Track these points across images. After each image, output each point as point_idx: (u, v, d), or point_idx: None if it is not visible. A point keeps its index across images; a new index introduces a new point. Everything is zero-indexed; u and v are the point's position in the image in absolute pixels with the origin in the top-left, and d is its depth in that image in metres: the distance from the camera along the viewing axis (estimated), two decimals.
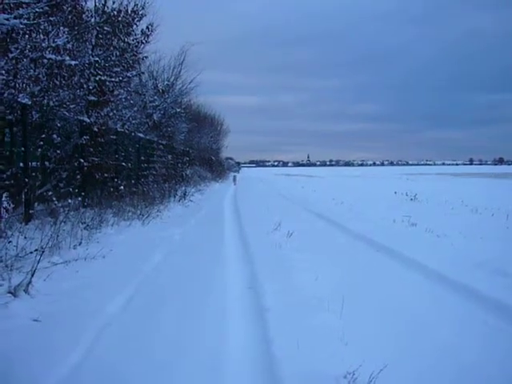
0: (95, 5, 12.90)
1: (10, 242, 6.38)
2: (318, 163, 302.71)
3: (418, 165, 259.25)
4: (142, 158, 18.08)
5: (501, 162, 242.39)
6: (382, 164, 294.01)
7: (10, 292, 5.08)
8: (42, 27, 9.31)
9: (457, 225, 11.40)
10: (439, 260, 7.41)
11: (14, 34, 8.14)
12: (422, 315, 5.10)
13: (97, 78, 11.82)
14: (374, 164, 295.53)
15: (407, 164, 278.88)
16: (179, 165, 26.18)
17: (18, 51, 8.31)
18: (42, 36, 9.31)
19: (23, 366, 3.64)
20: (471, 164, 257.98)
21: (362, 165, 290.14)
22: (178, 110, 24.45)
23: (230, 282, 6.49)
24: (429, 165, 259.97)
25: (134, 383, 3.56)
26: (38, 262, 5.67)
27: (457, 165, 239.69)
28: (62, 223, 8.44)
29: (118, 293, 5.63)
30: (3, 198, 8.31)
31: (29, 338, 4.14)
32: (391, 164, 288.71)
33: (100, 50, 12.04)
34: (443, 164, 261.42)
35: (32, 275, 5.41)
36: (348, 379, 3.46)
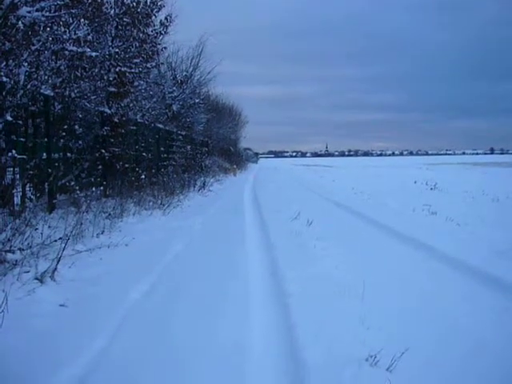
0: None
1: (37, 229, 6.51)
2: (337, 153, 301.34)
3: (437, 154, 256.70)
4: (162, 148, 18.21)
5: None
6: (402, 154, 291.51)
7: (36, 278, 5.21)
8: (62, 19, 9.41)
9: (477, 214, 11.34)
10: (460, 248, 7.40)
11: (35, 27, 8.22)
12: (442, 300, 5.11)
13: (117, 69, 11.91)
14: (393, 154, 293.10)
15: (427, 154, 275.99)
16: (198, 155, 26.28)
17: (40, 43, 8.40)
18: (63, 28, 9.41)
19: (52, 349, 3.75)
20: (492, 153, 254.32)
21: (381, 155, 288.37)
22: (197, 100, 24.51)
23: (252, 269, 6.54)
24: (449, 154, 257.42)
25: (159, 366, 3.63)
26: (63, 250, 5.80)
27: (477, 154, 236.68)
28: (85, 213, 8.58)
29: (141, 279, 5.72)
30: (27, 189, 8.46)
31: (56, 323, 4.26)
32: (410, 154, 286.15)
33: (120, 41, 12.11)
34: (463, 153, 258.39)
35: (57, 262, 5.54)
36: (370, 362, 3.51)
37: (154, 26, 13.82)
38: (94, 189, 10.18)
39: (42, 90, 8.58)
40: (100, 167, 11.51)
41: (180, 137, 21.70)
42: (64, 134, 9.43)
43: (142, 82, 13.79)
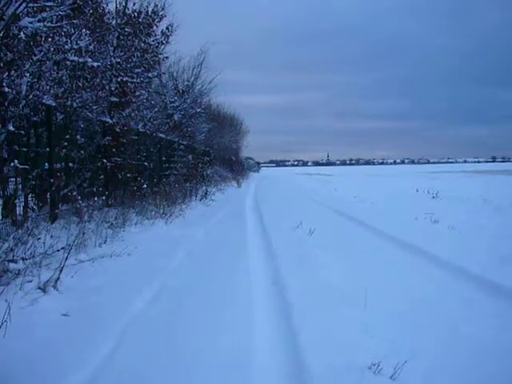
0: (116, 7, 13.07)
1: (39, 239, 6.51)
2: (338, 162, 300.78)
3: (439, 163, 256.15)
4: (164, 158, 18.23)
5: None
6: (403, 162, 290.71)
7: (39, 288, 5.21)
8: (64, 30, 9.45)
9: (479, 222, 11.33)
10: (463, 256, 7.38)
11: (37, 37, 8.27)
12: (444, 307, 5.10)
13: (118, 79, 11.95)
14: (395, 162, 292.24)
15: (428, 162, 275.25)
16: (200, 165, 26.27)
17: (42, 54, 8.44)
18: (64, 38, 9.45)
19: (55, 358, 3.74)
20: (494, 161, 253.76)
21: (382, 163, 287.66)
22: (198, 110, 24.57)
23: (254, 278, 6.53)
24: (450, 162, 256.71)
25: (162, 375, 3.61)
26: (66, 259, 5.79)
27: (479, 162, 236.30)
28: (87, 222, 8.58)
29: (144, 289, 5.72)
30: (29, 199, 8.46)
31: (59, 332, 4.25)
32: (412, 162, 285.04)
33: (121, 51, 12.16)
34: (465, 161, 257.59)
35: (60, 272, 5.53)
36: (373, 370, 3.50)
37: (156, 35, 13.92)
38: (96, 198, 10.20)
39: (43, 100, 8.60)
40: (102, 177, 11.53)
41: (181, 146, 21.72)
42: (66, 143, 9.44)
43: (143, 92, 13.83)
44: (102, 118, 11.66)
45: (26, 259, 5.72)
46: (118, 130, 12.04)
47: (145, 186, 13.45)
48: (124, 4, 13.11)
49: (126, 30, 12.23)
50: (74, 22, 9.45)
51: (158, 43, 13.97)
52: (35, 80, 8.55)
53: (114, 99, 12.14)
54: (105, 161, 11.39)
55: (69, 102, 9.71)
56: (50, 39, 8.75)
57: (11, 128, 7.29)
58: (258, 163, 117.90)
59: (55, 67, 9.35)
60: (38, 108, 8.65)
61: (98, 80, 10.83)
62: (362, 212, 14.17)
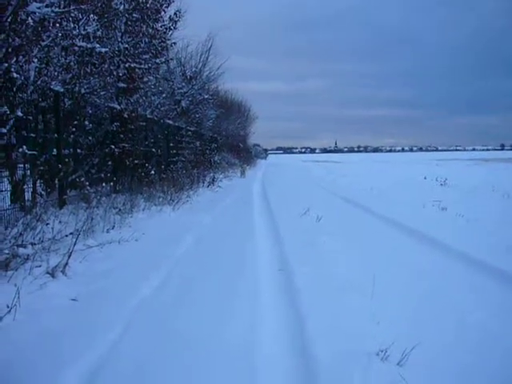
0: None
1: (48, 224, 6.54)
2: (346, 149, 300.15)
3: (447, 150, 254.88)
4: (171, 144, 18.22)
5: None
6: (411, 150, 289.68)
7: (48, 273, 5.25)
8: (72, 15, 9.41)
9: (487, 210, 11.30)
10: (470, 243, 7.36)
11: (45, 23, 8.24)
12: (451, 295, 5.09)
13: (126, 65, 11.92)
14: (403, 150, 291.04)
15: (436, 150, 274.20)
16: (207, 151, 26.27)
17: (50, 39, 8.42)
18: (72, 24, 9.42)
19: (64, 343, 3.77)
20: (502, 149, 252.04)
21: (390, 151, 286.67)
22: (206, 96, 24.49)
23: (262, 265, 6.53)
24: (459, 150, 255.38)
25: (169, 360, 3.63)
26: (74, 245, 5.82)
27: (487, 150, 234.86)
28: (95, 208, 8.62)
29: (151, 274, 5.74)
30: (38, 184, 8.50)
31: (68, 317, 4.28)
32: (420, 150, 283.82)
33: (129, 37, 12.11)
34: (473, 149, 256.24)
35: (69, 257, 5.57)
36: (380, 356, 3.51)
37: (164, 21, 13.83)
38: (104, 184, 10.23)
39: (52, 86, 8.61)
40: (110, 163, 11.55)
41: (189, 133, 21.69)
42: (74, 129, 9.46)
43: (151, 78, 13.79)
44: (109, 104, 11.66)
45: (34, 244, 5.76)
46: (125, 116, 12.04)
47: (152, 172, 13.49)
48: None
49: (134, 15, 12.16)
50: (82, 7, 9.40)
51: (166, 29, 13.88)
52: (43, 66, 8.56)
53: (122, 85, 12.13)
54: (113, 147, 11.41)
55: (77, 88, 9.71)
56: (57, 25, 8.71)
57: (19, 114, 7.32)
58: (266, 150, 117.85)
59: (63, 53, 9.33)
60: (46, 94, 8.67)
61: (105, 66, 10.80)
62: (370, 199, 14.13)
